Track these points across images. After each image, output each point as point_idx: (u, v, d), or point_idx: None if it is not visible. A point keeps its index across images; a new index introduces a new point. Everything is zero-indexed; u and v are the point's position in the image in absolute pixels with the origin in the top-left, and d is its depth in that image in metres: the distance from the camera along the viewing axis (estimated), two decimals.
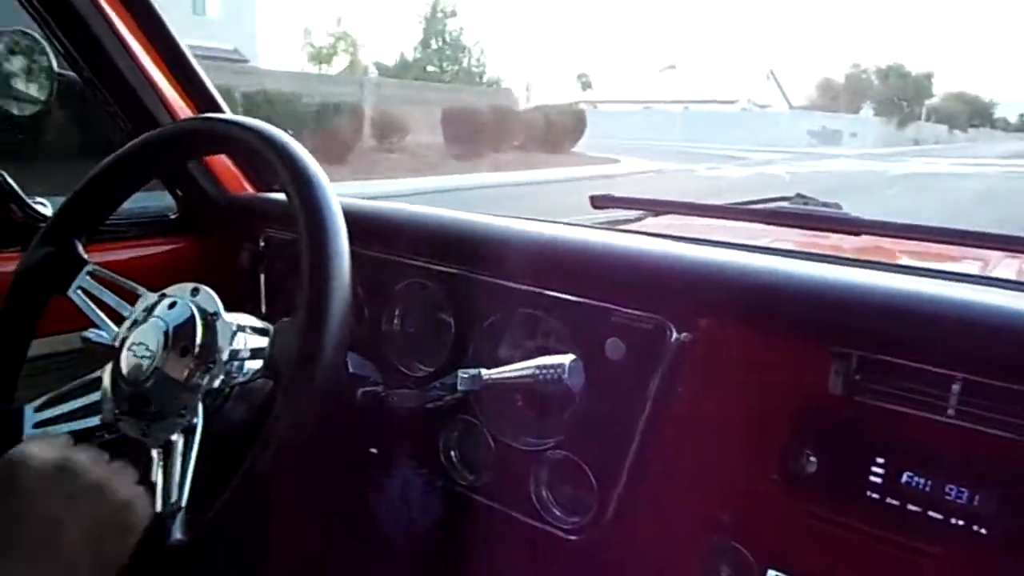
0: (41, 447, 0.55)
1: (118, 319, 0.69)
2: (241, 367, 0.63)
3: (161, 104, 0.97)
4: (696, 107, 41.12)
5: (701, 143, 27.31)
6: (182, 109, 1.00)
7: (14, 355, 0.73)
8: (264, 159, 0.66)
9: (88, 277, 0.73)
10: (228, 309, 0.67)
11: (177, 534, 0.56)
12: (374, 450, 0.91)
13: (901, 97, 50.00)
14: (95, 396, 0.66)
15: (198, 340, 0.62)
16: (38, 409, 0.69)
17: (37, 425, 0.69)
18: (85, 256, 0.74)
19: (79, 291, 0.72)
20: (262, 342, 0.64)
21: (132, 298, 0.70)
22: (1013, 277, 0.76)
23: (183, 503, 0.58)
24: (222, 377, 0.62)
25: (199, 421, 0.60)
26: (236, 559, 0.58)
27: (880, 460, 0.62)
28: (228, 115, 0.71)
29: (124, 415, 0.62)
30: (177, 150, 0.74)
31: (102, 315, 0.71)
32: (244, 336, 0.64)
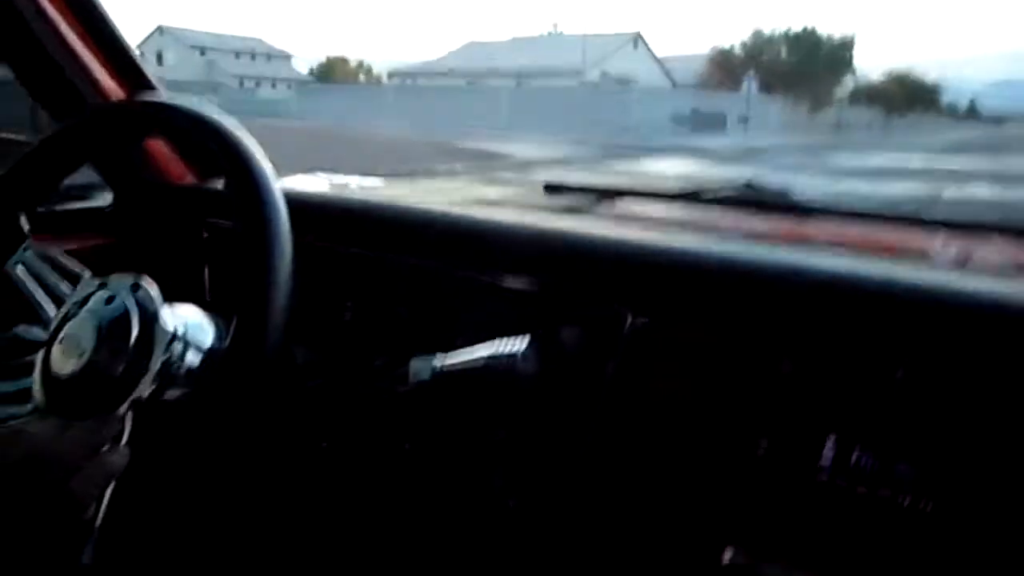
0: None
1: (59, 302, 0.66)
2: (172, 380, 0.59)
3: (90, 85, 0.92)
4: (536, 82, 33.69)
5: (518, 130, 21.25)
6: (113, 90, 0.95)
7: None
8: (203, 144, 0.63)
9: (29, 253, 0.68)
10: (172, 299, 0.64)
11: (87, 557, 0.52)
12: (324, 444, 0.89)
13: (811, 70, 38.86)
14: (28, 382, 0.63)
15: (132, 341, 0.58)
16: None
17: None
18: (26, 230, 0.69)
19: (19, 266, 0.68)
20: (195, 360, 0.60)
21: (75, 280, 0.66)
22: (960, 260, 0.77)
23: (97, 522, 0.53)
24: (152, 387, 0.58)
25: (125, 432, 0.57)
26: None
27: (830, 441, 0.63)
28: (169, 97, 0.67)
29: (51, 411, 0.59)
30: (113, 132, 0.70)
31: (42, 296, 0.67)
32: (180, 346, 0.60)
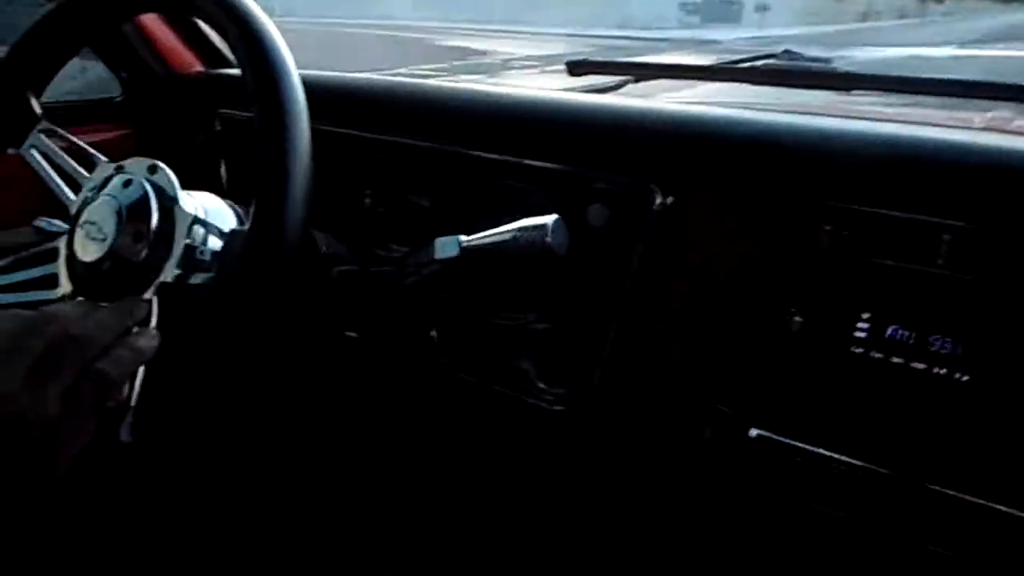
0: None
1: (76, 187, 0.65)
2: (195, 263, 0.59)
3: None
4: None
5: (504, 23, 19.53)
6: None
7: None
8: (214, 21, 0.60)
9: (42, 136, 0.67)
10: (188, 189, 0.62)
11: (124, 435, 0.53)
12: (352, 333, 0.89)
13: None
14: (52, 268, 0.63)
15: (153, 225, 0.58)
16: None
17: None
18: (39, 111, 0.67)
19: (33, 151, 0.67)
20: (217, 244, 0.59)
21: (90, 166, 0.65)
22: (1011, 129, 0.73)
23: (132, 402, 0.54)
24: (177, 272, 0.58)
25: (152, 316, 0.56)
26: (190, 460, 0.55)
27: (865, 315, 0.62)
28: None
29: (78, 295, 0.59)
30: (116, 4, 0.66)
31: (60, 181, 0.66)
32: (201, 230, 0.59)
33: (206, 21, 0.62)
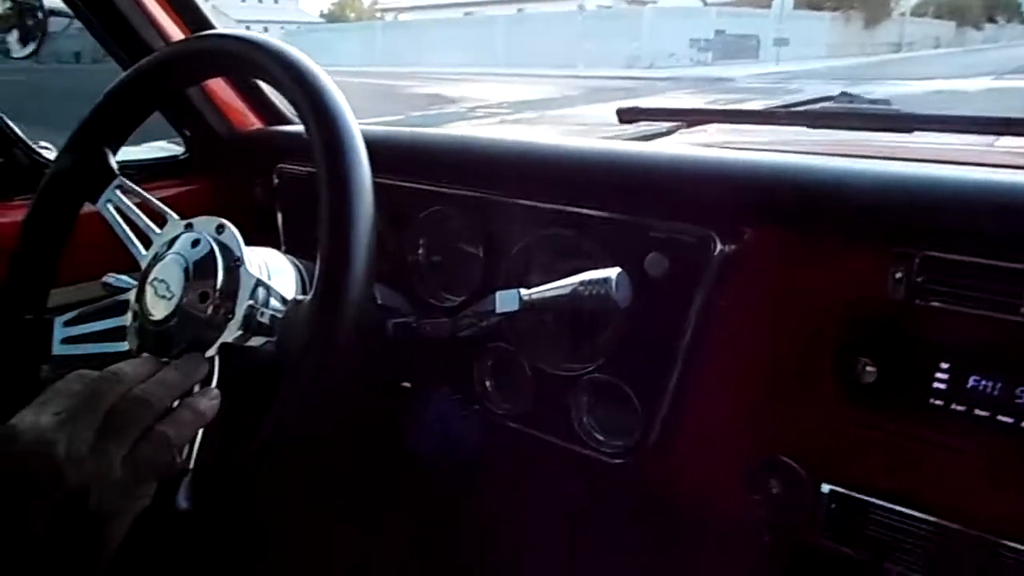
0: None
1: (147, 242, 0.66)
2: (256, 325, 0.59)
3: (157, 33, 0.92)
4: (532, 6, 28.55)
5: (526, 66, 18.82)
6: (178, 35, 0.94)
7: (47, 262, 0.70)
8: (275, 81, 0.61)
9: (118, 192, 0.69)
10: (247, 244, 0.64)
11: (182, 502, 0.51)
12: (407, 384, 0.89)
13: None
14: (123, 321, 0.64)
15: (218, 285, 0.58)
16: (67, 323, 0.67)
17: (65, 340, 0.67)
18: (115, 168, 0.70)
19: (109, 206, 0.69)
20: (279, 309, 0.59)
21: (161, 222, 0.67)
22: None
23: (190, 465, 0.53)
24: (239, 333, 0.58)
25: (214, 376, 0.57)
26: (249, 526, 0.54)
27: (944, 365, 0.59)
28: (237, 32, 0.66)
29: (143, 350, 0.60)
30: (187, 70, 0.69)
31: (132, 237, 0.67)
32: (263, 292, 0.59)
33: (269, 83, 0.64)
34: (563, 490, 0.81)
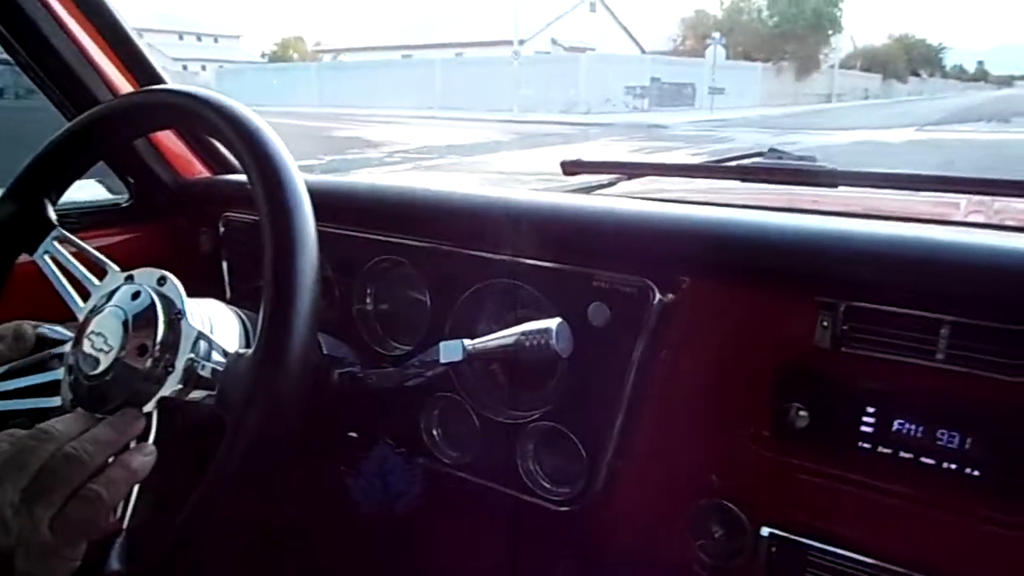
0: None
1: (85, 294, 0.65)
2: (197, 379, 0.58)
3: (103, 84, 0.92)
4: (473, 51, 28.99)
5: (463, 109, 19.36)
6: (124, 86, 0.94)
7: None
8: (220, 134, 0.62)
9: (56, 243, 0.68)
10: (191, 295, 0.63)
11: (115, 564, 0.50)
12: (353, 434, 0.88)
13: (796, 30, 31.99)
14: (56, 375, 0.62)
15: (158, 338, 0.57)
16: None
17: None
18: (54, 219, 0.69)
19: (46, 257, 0.67)
20: (221, 362, 0.58)
21: (100, 273, 0.65)
22: (993, 221, 0.76)
23: (124, 525, 0.51)
24: (179, 387, 0.57)
25: (152, 431, 0.56)
26: None
27: (870, 409, 0.62)
28: (188, 87, 0.66)
29: (78, 405, 0.58)
30: (132, 123, 0.69)
31: (69, 287, 0.66)
32: (205, 345, 0.59)
33: (214, 136, 0.64)
34: (509, 538, 0.80)
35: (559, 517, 0.75)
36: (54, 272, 0.67)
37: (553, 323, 0.63)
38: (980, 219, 0.79)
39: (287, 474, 0.79)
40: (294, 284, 0.52)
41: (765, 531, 0.67)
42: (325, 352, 0.77)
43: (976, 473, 0.58)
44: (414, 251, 0.83)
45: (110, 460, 0.51)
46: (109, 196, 1.08)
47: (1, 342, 0.66)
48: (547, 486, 0.77)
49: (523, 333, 0.64)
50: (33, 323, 0.68)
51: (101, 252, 0.66)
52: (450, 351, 0.66)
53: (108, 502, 0.49)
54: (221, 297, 0.68)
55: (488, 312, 0.81)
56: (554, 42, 30.78)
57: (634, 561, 0.76)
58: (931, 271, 0.58)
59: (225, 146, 0.61)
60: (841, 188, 0.85)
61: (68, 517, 0.47)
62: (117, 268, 0.64)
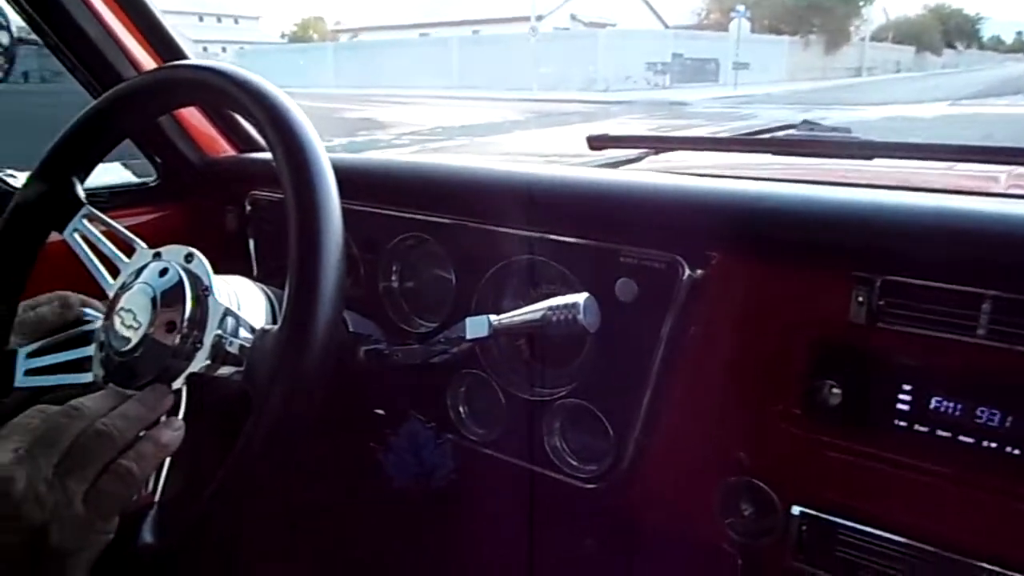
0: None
1: (115, 272, 0.66)
2: (225, 355, 0.58)
3: (128, 61, 0.92)
4: (491, 28, 28.06)
5: (480, 88, 18.84)
6: (149, 64, 0.94)
7: (10, 293, 0.68)
8: (244, 110, 0.61)
9: (85, 221, 0.68)
10: (218, 272, 0.63)
11: (147, 536, 0.50)
12: (380, 411, 0.89)
13: (820, 4, 30.32)
14: (88, 351, 0.63)
15: (186, 315, 0.57)
16: (31, 355, 0.65)
17: (29, 372, 0.65)
18: (82, 197, 0.69)
19: (76, 235, 0.68)
20: (248, 338, 0.58)
21: (129, 252, 0.66)
22: None
23: (156, 499, 0.52)
24: (207, 363, 0.57)
25: (181, 407, 0.56)
26: (217, 561, 0.52)
27: (907, 387, 0.60)
28: (205, 62, 0.66)
29: (109, 381, 0.59)
30: (156, 99, 0.69)
31: (99, 265, 0.66)
32: (232, 321, 0.59)
33: (238, 112, 0.64)
34: (536, 515, 0.80)
35: (586, 494, 0.75)
36: (84, 250, 0.67)
37: (581, 298, 0.62)
38: (1022, 192, 0.77)
39: (317, 451, 0.80)
40: (319, 261, 0.52)
41: (796, 510, 0.66)
42: (351, 329, 0.77)
43: (1017, 452, 0.57)
44: (439, 228, 0.83)
45: (140, 435, 0.52)
46: (138, 179, 1.09)
47: (47, 307, 0.67)
48: (574, 463, 0.77)
49: (550, 308, 0.63)
50: (79, 296, 0.69)
51: (130, 231, 0.67)
52: (476, 327, 0.66)
53: (139, 476, 0.50)
54: (248, 275, 0.68)
55: (514, 289, 0.80)
56: (573, 18, 29.96)
57: (662, 539, 0.76)
58: (971, 243, 0.56)
59: (249, 122, 0.61)
60: (877, 162, 0.83)
61: (101, 491, 0.48)
62: (145, 246, 0.65)
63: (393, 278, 0.89)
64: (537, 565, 0.82)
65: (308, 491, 0.80)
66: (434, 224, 0.83)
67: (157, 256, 0.63)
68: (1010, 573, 0.57)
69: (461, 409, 0.84)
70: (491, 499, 0.83)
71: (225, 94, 0.62)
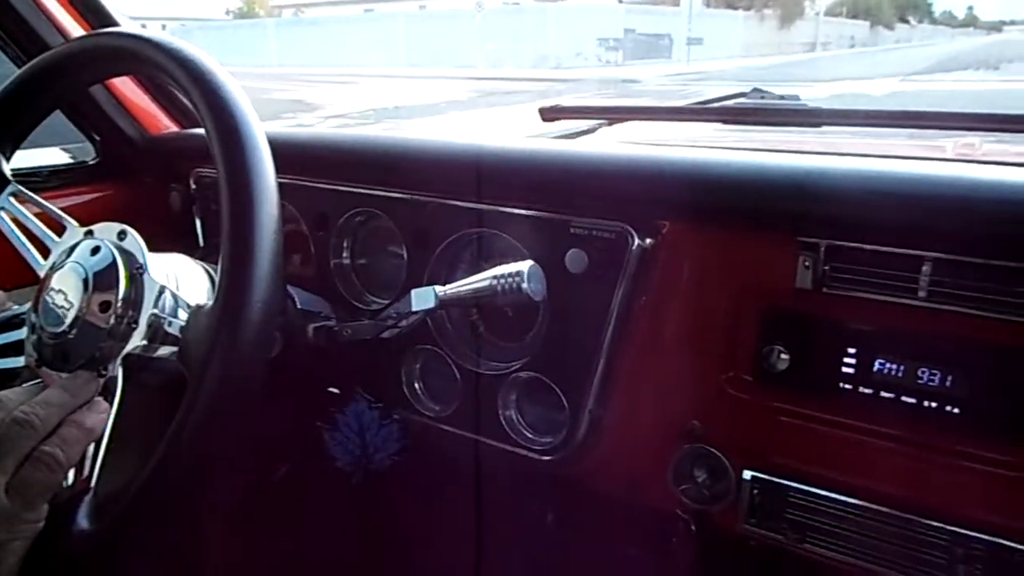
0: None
1: (46, 253, 0.63)
2: (162, 334, 0.56)
3: (55, 29, 0.87)
4: (438, 4, 26.31)
5: (427, 66, 17.81)
6: (77, 32, 0.90)
7: None
8: (175, 80, 0.59)
9: (12, 199, 0.65)
10: (163, 250, 0.61)
11: (83, 522, 0.49)
12: (335, 390, 0.88)
13: None
14: (19, 335, 0.61)
15: (120, 294, 0.55)
16: None
17: None
18: (8, 175, 0.66)
19: (2, 214, 0.65)
20: (183, 317, 0.57)
21: (61, 231, 0.63)
22: (978, 156, 0.74)
23: (91, 484, 0.50)
24: (143, 343, 0.55)
25: (118, 386, 0.54)
26: (156, 546, 0.51)
27: (852, 350, 0.61)
28: (135, 30, 0.62)
29: (43, 364, 0.57)
30: (84, 69, 0.66)
31: (28, 244, 0.64)
32: (170, 300, 0.57)
33: (167, 81, 0.61)
34: (492, 489, 0.80)
35: (542, 466, 0.75)
36: (12, 229, 0.64)
37: (525, 266, 0.62)
38: (969, 152, 0.78)
39: (266, 429, 0.79)
40: (252, 237, 0.50)
41: (747, 474, 0.67)
42: (299, 307, 0.75)
43: (956, 411, 0.58)
44: (389, 203, 0.81)
45: (63, 422, 0.50)
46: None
47: None
48: (529, 436, 0.77)
49: (495, 277, 0.62)
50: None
51: (69, 212, 0.64)
52: (422, 298, 0.65)
53: (64, 462, 0.48)
54: (195, 251, 0.66)
55: (466, 263, 0.79)
56: None
57: (617, 508, 0.77)
58: (912, 206, 0.57)
59: (180, 93, 0.58)
60: (826, 131, 0.83)
61: (24, 480, 0.47)
62: (76, 224, 0.62)
63: (344, 255, 0.88)
64: (491, 537, 0.82)
65: (255, 469, 0.79)
66: (384, 199, 0.82)
67: (89, 234, 0.60)
68: (954, 528, 0.58)
69: (416, 385, 0.83)
70: (447, 475, 0.83)
71: (155, 64, 0.59)
